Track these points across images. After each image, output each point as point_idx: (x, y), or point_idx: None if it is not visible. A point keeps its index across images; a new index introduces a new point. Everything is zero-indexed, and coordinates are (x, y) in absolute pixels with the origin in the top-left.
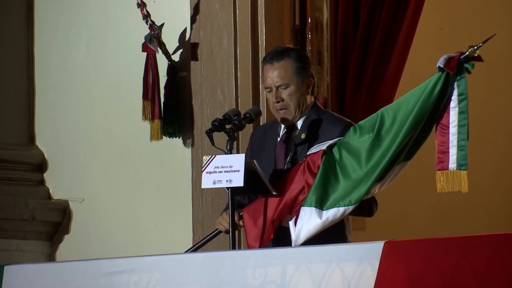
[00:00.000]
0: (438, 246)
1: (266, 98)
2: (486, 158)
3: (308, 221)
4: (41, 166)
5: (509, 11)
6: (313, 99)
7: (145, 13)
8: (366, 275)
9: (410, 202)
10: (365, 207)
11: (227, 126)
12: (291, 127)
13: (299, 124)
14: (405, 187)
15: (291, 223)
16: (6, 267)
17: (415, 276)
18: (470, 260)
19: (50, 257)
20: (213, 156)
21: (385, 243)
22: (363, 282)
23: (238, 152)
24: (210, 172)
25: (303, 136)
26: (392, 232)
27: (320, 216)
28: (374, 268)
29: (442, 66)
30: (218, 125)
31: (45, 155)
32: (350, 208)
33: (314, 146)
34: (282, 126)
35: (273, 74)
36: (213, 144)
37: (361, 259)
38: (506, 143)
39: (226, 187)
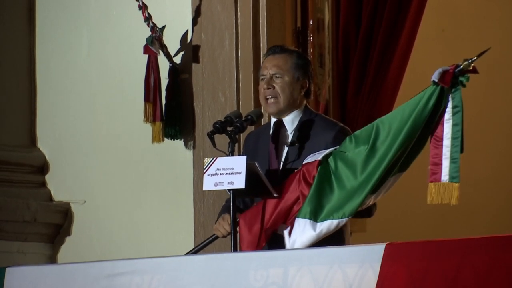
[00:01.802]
0: (440, 248)
1: (258, 90)
2: (486, 160)
3: (302, 233)
4: (43, 168)
5: (510, 12)
6: (304, 102)
7: (147, 16)
8: (367, 276)
9: (411, 204)
10: (364, 210)
11: (229, 128)
12: (279, 125)
13: (288, 122)
14: (406, 189)
15: (285, 233)
16: (7, 269)
17: (417, 278)
18: (472, 262)
19: (52, 259)
20: (215, 158)
21: (386, 245)
22: (364, 283)
23: (239, 154)
24: (212, 174)
25: (294, 140)
26: (393, 234)
27: (314, 228)
28: (376, 270)
29: (436, 80)
30: (219, 127)
31: (47, 157)
32: (344, 220)
33: (310, 156)
34: (272, 124)
35: (271, 63)
36: (214, 146)
37: (363, 261)
38: (506, 145)
39: (228, 189)
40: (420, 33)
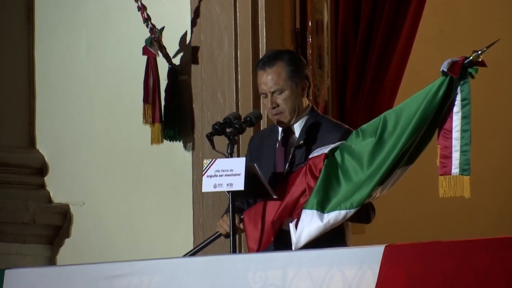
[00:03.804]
0: (439, 250)
1: (262, 102)
2: (487, 161)
3: (309, 223)
4: (42, 169)
5: (510, 13)
6: (309, 103)
7: (146, 17)
8: (366, 278)
9: (410, 206)
10: (363, 214)
11: (228, 130)
12: (288, 130)
13: (296, 127)
14: (406, 190)
15: (291, 225)
16: (6, 271)
17: (416, 280)
18: (471, 264)
19: (51, 261)
20: (214, 159)
21: (385, 246)
22: (363, 285)
23: (238, 156)
24: (211, 176)
25: (301, 142)
26: (392, 236)
27: (322, 219)
28: (375, 272)
29: (445, 70)
30: (218, 129)
31: (46, 159)
32: (352, 211)
33: (316, 150)
34: (280, 130)
35: (266, 80)
36: (213, 147)
37: (362, 263)
38: (507, 146)
39: (227, 191)
40: (419, 34)
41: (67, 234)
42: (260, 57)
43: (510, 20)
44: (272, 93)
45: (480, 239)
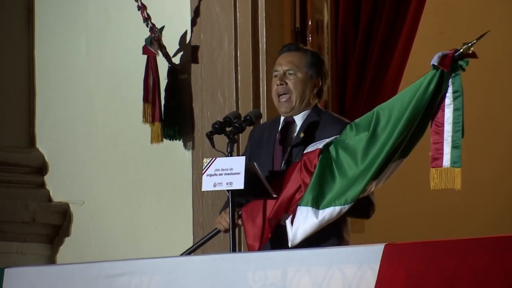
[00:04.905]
0: (438, 249)
1: (271, 86)
2: (485, 159)
3: (304, 220)
4: (42, 168)
5: (510, 14)
6: (316, 102)
7: (146, 16)
8: (366, 277)
9: (409, 204)
10: (362, 209)
11: (228, 129)
12: (289, 124)
13: (298, 121)
14: (405, 189)
15: (287, 222)
16: (6, 270)
17: (416, 278)
18: (470, 263)
19: (51, 260)
20: (214, 158)
21: (385, 245)
22: (363, 284)
23: (238, 155)
24: (211, 175)
25: (302, 135)
26: (391, 235)
27: (317, 216)
28: (375, 271)
29: (436, 64)
30: (218, 128)
31: (46, 158)
32: (346, 207)
33: (311, 145)
34: (282, 119)
35: (285, 60)
36: (213, 146)
37: (362, 262)
38: (506, 145)
39: (227, 190)
40: (418, 35)
41: (67, 233)
42: (260, 56)
43: (510, 20)
44: (285, 72)
45: (479, 238)
